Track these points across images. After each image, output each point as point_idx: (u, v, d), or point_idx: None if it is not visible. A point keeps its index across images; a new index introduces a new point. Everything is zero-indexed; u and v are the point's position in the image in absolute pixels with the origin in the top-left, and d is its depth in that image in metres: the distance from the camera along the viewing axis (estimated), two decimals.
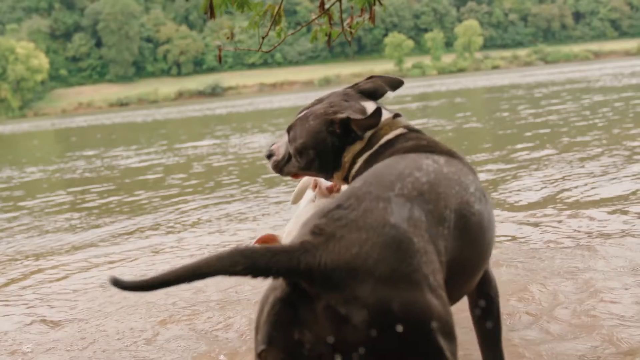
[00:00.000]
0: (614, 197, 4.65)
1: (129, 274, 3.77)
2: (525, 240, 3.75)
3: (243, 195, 6.44)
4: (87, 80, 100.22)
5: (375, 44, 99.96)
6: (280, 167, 2.12)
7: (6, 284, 3.92)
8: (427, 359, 1.29)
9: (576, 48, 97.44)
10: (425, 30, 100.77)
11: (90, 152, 15.17)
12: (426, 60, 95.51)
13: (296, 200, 3.21)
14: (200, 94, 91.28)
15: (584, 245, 3.49)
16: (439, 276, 1.39)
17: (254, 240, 2.67)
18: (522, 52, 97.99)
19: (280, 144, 2.13)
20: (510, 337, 2.42)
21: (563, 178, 5.62)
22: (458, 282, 1.60)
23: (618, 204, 4.41)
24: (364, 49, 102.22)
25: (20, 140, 29.05)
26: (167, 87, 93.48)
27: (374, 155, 1.90)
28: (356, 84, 2.13)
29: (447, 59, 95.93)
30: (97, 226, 5.57)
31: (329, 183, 2.50)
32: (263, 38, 3.42)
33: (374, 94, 2.10)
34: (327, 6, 3.48)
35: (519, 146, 8.21)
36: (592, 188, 5.06)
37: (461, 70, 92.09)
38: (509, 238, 3.81)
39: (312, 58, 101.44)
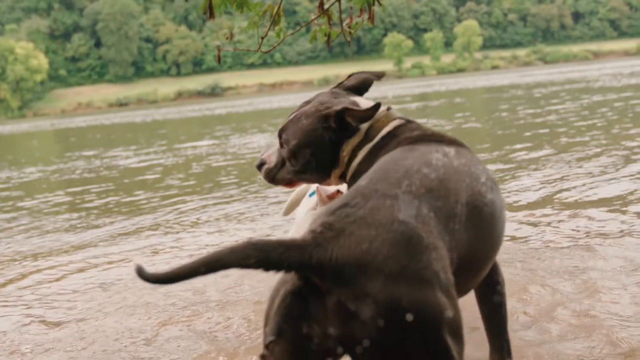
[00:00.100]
0: (613, 197, 4.65)
1: (128, 274, 3.77)
2: (525, 240, 3.75)
3: (242, 196, 6.43)
4: (86, 81, 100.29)
5: (374, 44, 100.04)
6: (273, 175, 2.08)
7: (5, 284, 3.91)
8: (433, 358, 1.29)
9: (575, 48, 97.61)
10: (425, 31, 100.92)
11: (90, 153, 15.16)
12: (425, 60, 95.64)
13: (288, 211, 3.08)
14: (200, 94, 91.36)
15: (583, 245, 3.49)
16: (450, 273, 1.38)
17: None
18: (521, 52, 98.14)
19: (271, 151, 2.09)
20: (510, 337, 2.41)
21: (562, 178, 5.62)
22: (469, 274, 1.60)
23: (617, 203, 4.41)
24: (363, 49, 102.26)
25: (20, 141, 29.02)
26: (167, 87, 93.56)
27: (377, 147, 1.86)
28: (340, 83, 2.14)
29: (447, 59, 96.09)
30: (96, 226, 5.57)
31: (329, 190, 2.44)
32: (262, 38, 3.42)
33: (359, 90, 2.10)
34: (326, 6, 3.48)
35: (518, 146, 8.21)
36: (591, 188, 5.06)
37: (460, 70, 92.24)
38: (508, 238, 3.80)
39: (311, 58, 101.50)
